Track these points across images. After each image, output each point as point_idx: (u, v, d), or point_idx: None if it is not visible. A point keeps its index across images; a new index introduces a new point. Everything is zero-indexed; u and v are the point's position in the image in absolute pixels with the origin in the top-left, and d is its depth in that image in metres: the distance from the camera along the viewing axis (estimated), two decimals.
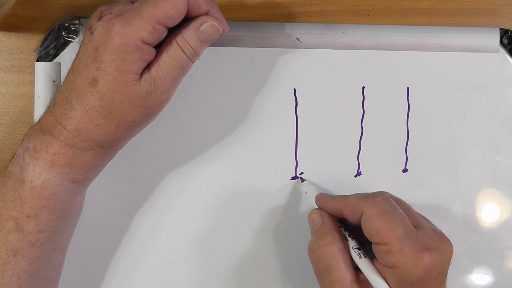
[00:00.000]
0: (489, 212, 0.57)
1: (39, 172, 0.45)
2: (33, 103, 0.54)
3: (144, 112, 0.46)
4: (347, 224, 0.49)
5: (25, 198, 0.45)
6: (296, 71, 0.55)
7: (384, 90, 0.56)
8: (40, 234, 0.45)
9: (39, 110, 0.52)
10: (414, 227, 0.45)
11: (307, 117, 0.55)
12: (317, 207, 0.51)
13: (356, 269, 0.46)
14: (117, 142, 0.47)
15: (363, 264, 0.45)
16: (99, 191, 0.53)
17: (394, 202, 0.46)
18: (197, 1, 0.45)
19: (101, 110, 0.44)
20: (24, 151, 0.45)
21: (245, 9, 0.56)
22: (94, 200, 0.53)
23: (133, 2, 0.45)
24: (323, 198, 0.51)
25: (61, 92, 0.46)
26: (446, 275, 0.46)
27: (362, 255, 0.46)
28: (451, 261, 0.46)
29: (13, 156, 0.47)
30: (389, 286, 0.44)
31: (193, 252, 0.55)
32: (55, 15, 0.54)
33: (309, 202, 0.55)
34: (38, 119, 0.47)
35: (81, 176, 0.46)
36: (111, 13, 0.44)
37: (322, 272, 0.46)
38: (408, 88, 0.56)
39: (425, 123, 0.56)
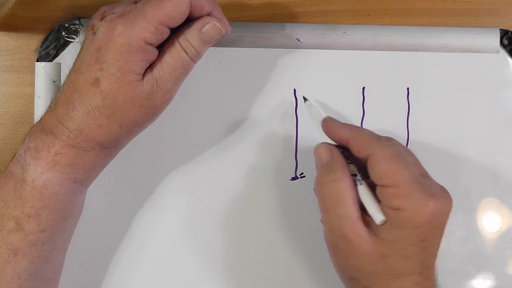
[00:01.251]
0: (490, 213, 0.57)
1: (41, 172, 0.45)
2: (33, 103, 0.53)
3: (147, 113, 0.46)
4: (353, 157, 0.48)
5: (26, 197, 0.45)
6: (296, 71, 0.55)
7: (384, 91, 0.56)
8: (41, 234, 0.45)
9: (39, 110, 0.52)
10: (420, 175, 0.45)
11: (307, 118, 0.55)
12: (323, 142, 0.49)
13: (362, 209, 0.45)
14: (119, 142, 0.47)
15: (362, 190, 0.45)
16: (100, 191, 0.53)
17: (404, 149, 0.46)
18: (199, 1, 0.45)
19: (104, 110, 0.44)
20: (25, 151, 0.45)
21: (245, 9, 0.56)
22: (94, 200, 0.53)
23: (135, 3, 0.45)
24: (330, 123, 0.49)
25: (62, 92, 0.46)
26: (444, 230, 0.46)
27: (359, 182, 0.45)
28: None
29: (14, 156, 0.47)
30: (383, 214, 0.43)
31: (193, 252, 0.55)
32: (55, 15, 0.54)
33: (309, 202, 0.55)
34: (39, 119, 0.47)
35: (82, 176, 0.46)
36: (114, 13, 0.44)
37: (329, 206, 0.45)
38: (408, 88, 0.56)
39: (425, 123, 0.56)
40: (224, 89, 0.55)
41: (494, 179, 0.57)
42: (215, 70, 0.55)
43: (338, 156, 0.47)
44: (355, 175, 0.46)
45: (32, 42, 0.55)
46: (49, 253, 0.47)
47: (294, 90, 0.56)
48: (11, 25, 0.55)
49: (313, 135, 0.55)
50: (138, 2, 0.45)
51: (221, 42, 0.54)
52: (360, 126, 0.56)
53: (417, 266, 0.44)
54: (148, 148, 0.54)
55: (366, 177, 0.46)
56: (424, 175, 0.46)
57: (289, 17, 0.56)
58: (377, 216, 0.44)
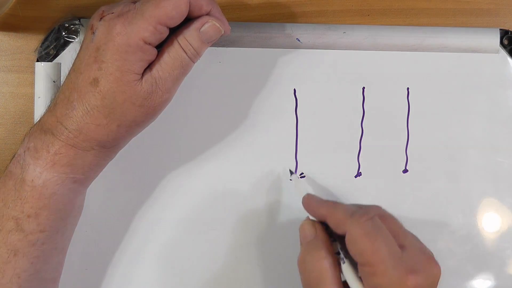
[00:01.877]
0: (490, 213, 0.57)
1: (40, 172, 0.45)
2: (33, 103, 0.54)
3: (146, 112, 0.46)
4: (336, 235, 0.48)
5: (25, 198, 0.45)
6: (296, 71, 0.55)
7: (384, 91, 0.56)
8: (41, 234, 0.45)
9: (39, 110, 0.52)
10: (401, 247, 0.44)
11: (307, 118, 0.55)
12: (309, 218, 0.49)
13: (346, 285, 0.45)
14: (118, 142, 0.47)
15: (345, 269, 0.45)
16: (100, 191, 0.53)
17: (380, 222, 0.45)
18: (198, 1, 0.45)
19: (103, 110, 0.44)
20: (24, 151, 0.45)
21: (245, 9, 0.56)
22: (94, 200, 0.53)
23: (134, 2, 0.45)
24: (310, 201, 0.49)
25: (62, 92, 0.46)
26: None
27: (341, 261, 0.45)
28: (438, 283, 0.45)
29: (14, 156, 0.47)
30: None
31: (193, 252, 0.55)
32: (55, 15, 0.54)
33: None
34: (38, 119, 0.47)
35: (82, 176, 0.46)
36: (113, 13, 0.44)
37: (312, 285, 0.45)
38: (408, 88, 0.56)
39: (425, 123, 0.56)
40: (224, 89, 0.55)
41: (494, 179, 0.57)
42: (215, 70, 0.55)
43: (322, 234, 0.47)
44: (338, 253, 0.46)
45: (32, 42, 0.55)
46: (49, 253, 0.47)
47: (294, 90, 0.56)
48: (11, 25, 0.55)
49: (313, 135, 0.55)
50: (137, 1, 0.45)
51: (221, 42, 0.54)
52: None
53: None
54: (148, 148, 0.54)
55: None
56: (406, 246, 0.45)
57: (289, 17, 0.56)
58: None
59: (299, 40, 0.55)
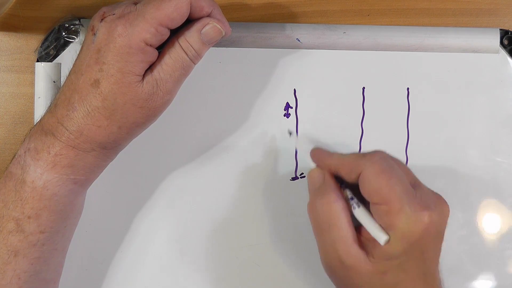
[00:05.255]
0: (490, 213, 0.57)
1: (40, 173, 0.45)
2: (33, 104, 0.53)
3: (146, 114, 0.46)
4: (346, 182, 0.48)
5: (26, 198, 0.45)
6: (297, 71, 0.55)
7: (384, 91, 0.56)
8: (41, 235, 0.45)
9: (39, 110, 0.52)
10: (412, 186, 0.44)
11: (307, 118, 0.55)
12: (316, 167, 0.49)
13: (357, 230, 0.45)
14: (119, 143, 0.47)
15: (360, 213, 0.45)
16: (100, 192, 0.53)
17: (392, 161, 0.45)
18: (199, 2, 0.45)
19: (104, 111, 0.44)
20: (25, 152, 0.45)
21: (246, 9, 0.56)
22: (94, 200, 0.53)
23: (135, 3, 0.45)
24: (319, 153, 0.49)
25: (62, 93, 0.46)
26: (443, 236, 0.46)
27: (356, 206, 0.45)
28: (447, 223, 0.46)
29: (14, 157, 0.47)
30: (386, 233, 0.43)
31: (193, 253, 0.55)
32: (55, 15, 0.54)
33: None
34: (39, 120, 0.47)
35: (82, 177, 0.46)
36: (114, 14, 0.44)
37: (323, 229, 0.45)
38: (408, 88, 0.56)
39: (425, 123, 0.56)
40: (224, 89, 0.55)
41: (494, 179, 0.57)
42: (215, 70, 0.55)
43: (330, 180, 0.47)
44: (352, 198, 0.46)
45: (32, 42, 0.55)
46: (49, 254, 0.47)
47: (294, 90, 0.56)
48: (11, 25, 0.55)
49: (313, 135, 0.55)
50: (138, 3, 0.45)
51: (222, 42, 0.54)
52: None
53: (419, 276, 0.44)
54: (148, 148, 0.54)
55: (361, 201, 0.46)
56: (417, 185, 0.46)
57: (289, 17, 0.56)
58: (380, 236, 0.43)
59: (299, 40, 0.55)
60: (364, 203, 0.45)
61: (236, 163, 0.55)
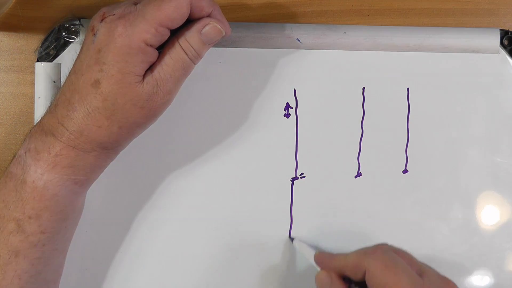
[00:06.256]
0: (489, 213, 0.57)
1: (41, 173, 0.45)
2: (33, 104, 0.53)
3: (147, 114, 0.46)
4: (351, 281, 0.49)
5: (26, 199, 0.45)
6: (297, 72, 0.55)
7: (384, 91, 0.56)
8: (42, 235, 0.45)
9: (39, 110, 0.52)
10: (418, 275, 0.45)
11: (307, 118, 0.55)
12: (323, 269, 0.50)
13: None
14: (119, 143, 0.47)
15: None
16: (100, 192, 0.53)
17: (394, 253, 0.46)
18: (199, 3, 0.45)
19: (104, 111, 0.44)
20: (25, 152, 0.45)
21: (246, 9, 0.56)
22: (95, 200, 0.53)
23: (135, 4, 0.45)
24: (322, 258, 0.51)
25: (62, 93, 0.46)
26: None
27: None
28: None
29: (14, 157, 0.47)
30: None
31: (193, 253, 0.55)
32: (55, 15, 0.54)
33: (310, 202, 0.55)
34: (39, 120, 0.47)
35: (83, 177, 0.46)
36: (114, 14, 0.44)
37: None
38: (408, 89, 0.56)
39: (425, 124, 0.56)
40: (225, 90, 0.55)
41: (494, 179, 0.57)
42: (215, 70, 0.55)
43: (337, 281, 0.48)
44: None
45: (32, 42, 0.55)
46: (50, 254, 0.47)
47: (294, 90, 0.56)
48: (11, 25, 0.54)
49: (314, 135, 0.55)
50: (138, 3, 0.45)
51: (222, 42, 0.54)
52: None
53: None
54: (149, 149, 0.54)
55: None
56: (423, 271, 0.46)
57: (289, 17, 0.56)
58: None
59: (299, 41, 0.55)
60: None
61: (236, 163, 0.55)
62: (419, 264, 0.47)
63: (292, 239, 0.55)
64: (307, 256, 0.53)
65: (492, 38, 0.57)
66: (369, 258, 0.45)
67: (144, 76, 0.45)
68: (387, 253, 0.46)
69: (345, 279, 0.48)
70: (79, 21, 0.53)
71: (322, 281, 0.48)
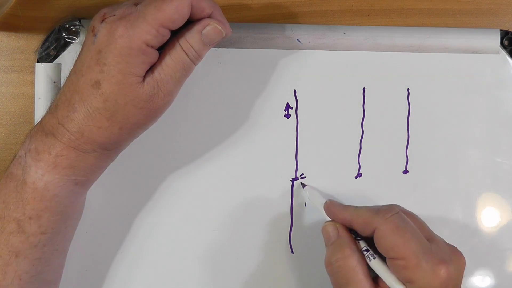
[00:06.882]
0: (490, 213, 0.57)
1: (41, 174, 0.45)
2: (34, 104, 0.53)
3: (147, 115, 0.46)
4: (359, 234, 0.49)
5: (27, 199, 0.45)
6: (297, 72, 0.55)
7: (385, 92, 0.56)
8: (42, 236, 0.45)
9: (39, 111, 0.52)
10: (427, 240, 0.45)
11: (307, 118, 0.55)
12: (329, 219, 0.50)
13: (375, 281, 0.46)
14: (119, 144, 0.47)
15: (376, 264, 0.46)
16: (100, 193, 0.53)
17: (406, 217, 0.46)
18: (200, 3, 0.45)
19: (104, 112, 0.44)
20: (25, 153, 0.45)
21: (246, 10, 0.56)
22: (95, 201, 0.53)
23: (136, 4, 0.45)
24: (332, 207, 0.50)
25: (63, 93, 0.46)
26: (461, 285, 0.46)
27: (371, 257, 0.46)
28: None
29: (14, 157, 0.47)
30: (402, 284, 0.44)
31: (193, 254, 0.55)
32: (56, 15, 0.54)
33: (310, 202, 0.55)
34: (39, 120, 0.47)
35: (83, 177, 0.46)
36: (115, 15, 0.44)
37: (341, 285, 0.46)
38: (408, 89, 0.56)
39: (425, 124, 0.56)
40: (225, 90, 0.55)
41: (494, 180, 0.57)
42: (215, 71, 0.55)
43: (345, 233, 0.48)
44: (367, 250, 0.47)
45: (32, 42, 0.55)
46: (50, 255, 0.47)
47: (295, 90, 0.56)
48: (11, 25, 0.54)
49: (314, 136, 0.56)
50: (138, 4, 0.45)
51: (222, 43, 0.54)
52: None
53: None
54: (149, 149, 0.54)
55: (376, 251, 0.46)
56: (432, 238, 0.46)
57: (289, 17, 0.56)
58: (397, 287, 0.44)
59: (299, 41, 0.55)
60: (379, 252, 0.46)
61: (236, 164, 0.55)
62: (428, 230, 0.47)
63: (303, 186, 0.55)
64: (317, 204, 0.52)
65: (492, 38, 0.57)
66: (380, 217, 0.45)
67: (144, 77, 0.45)
68: (398, 215, 0.46)
69: (352, 230, 0.49)
70: (80, 21, 0.53)
71: (329, 233, 0.49)
